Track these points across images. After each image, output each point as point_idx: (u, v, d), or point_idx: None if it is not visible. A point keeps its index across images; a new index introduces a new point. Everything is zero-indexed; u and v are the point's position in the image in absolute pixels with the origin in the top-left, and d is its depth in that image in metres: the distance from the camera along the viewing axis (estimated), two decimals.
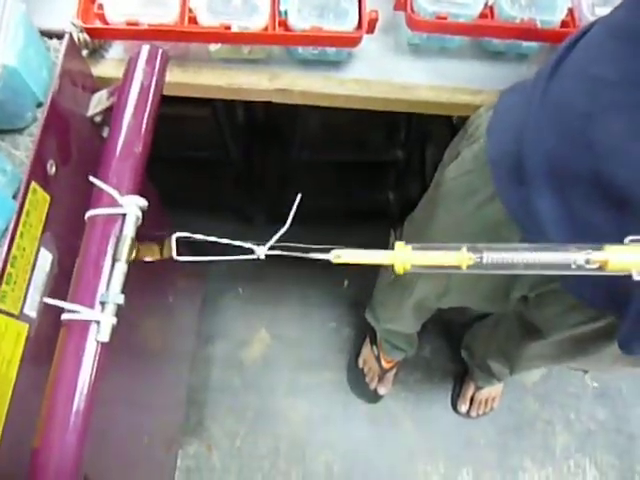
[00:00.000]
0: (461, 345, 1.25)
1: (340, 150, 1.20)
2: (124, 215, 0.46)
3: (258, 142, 1.22)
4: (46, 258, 0.50)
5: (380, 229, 1.19)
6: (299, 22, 0.61)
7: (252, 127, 1.16)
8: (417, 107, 0.69)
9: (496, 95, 0.61)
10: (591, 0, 0.65)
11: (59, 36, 0.57)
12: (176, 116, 0.87)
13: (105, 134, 0.57)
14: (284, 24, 0.62)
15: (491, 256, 0.37)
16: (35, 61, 0.50)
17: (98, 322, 0.43)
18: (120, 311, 0.44)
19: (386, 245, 0.41)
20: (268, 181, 1.30)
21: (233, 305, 1.33)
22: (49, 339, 0.44)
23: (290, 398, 1.26)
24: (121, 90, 0.51)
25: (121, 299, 0.44)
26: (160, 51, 0.52)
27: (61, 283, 0.48)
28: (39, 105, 0.52)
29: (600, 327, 0.60)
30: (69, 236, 0.50)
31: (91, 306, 0.43)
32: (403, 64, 0.68)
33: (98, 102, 0.58)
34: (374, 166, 1.29)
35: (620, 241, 0.36)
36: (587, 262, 0.35)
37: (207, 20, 0.61)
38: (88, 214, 0.47)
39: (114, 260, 0.45)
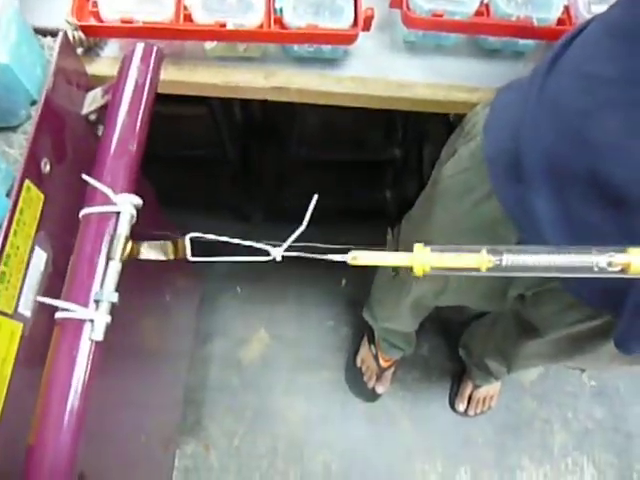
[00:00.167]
0: (459, 344, 1.25)
1: (337, 149, 1.20)
2: (118, 213, 0.46)
3: (255, 140, 1.21)
4: (40, 257, 0.49)
5: (378, 227, 1.18)
6: (295, 20, 0.61)
7: (249, 125, 1.15)
8: (413, 105, 0.68)
9: (493, 93, 0.61)
10: None
11: (53, 34, 0.56)
12: (173, 115, 0.88)
13: (100, 132, 0.57)
14: (279, 22, 0.62)
15: (511, 258, 0.36)
16: (28, 58, 0.50)
17: (92, 321, 0.43)
18: (114, 310, 0.44)
19: (383, 244, 0.41)
20: (265, 179, 1.30)
21: (231, 304, 1.33)
22: (44, 338, 0.44)
23: (288, 397, 1.26)
24: (115, 88, 0.51)
25: (115, 297, 0.44)
26: (155, 49, 0.52)
27: (55, 282, 0.48)
28: (33, 103, 0.52)
29: (597, 326, 0.60)
30: (63, 235, 0.50)
31: (85, 305, 0.43)
32: (399, 62, 0.68)
33: (93, 100, 0.58)
34: (372, 165, 1.28)
35: (618, 240, 0.36)
36: (609, 265, 0.35)
37: (202, 18, 0.61)
38: (82, 212, 0.46)
39: (108, 258, 0.44)
